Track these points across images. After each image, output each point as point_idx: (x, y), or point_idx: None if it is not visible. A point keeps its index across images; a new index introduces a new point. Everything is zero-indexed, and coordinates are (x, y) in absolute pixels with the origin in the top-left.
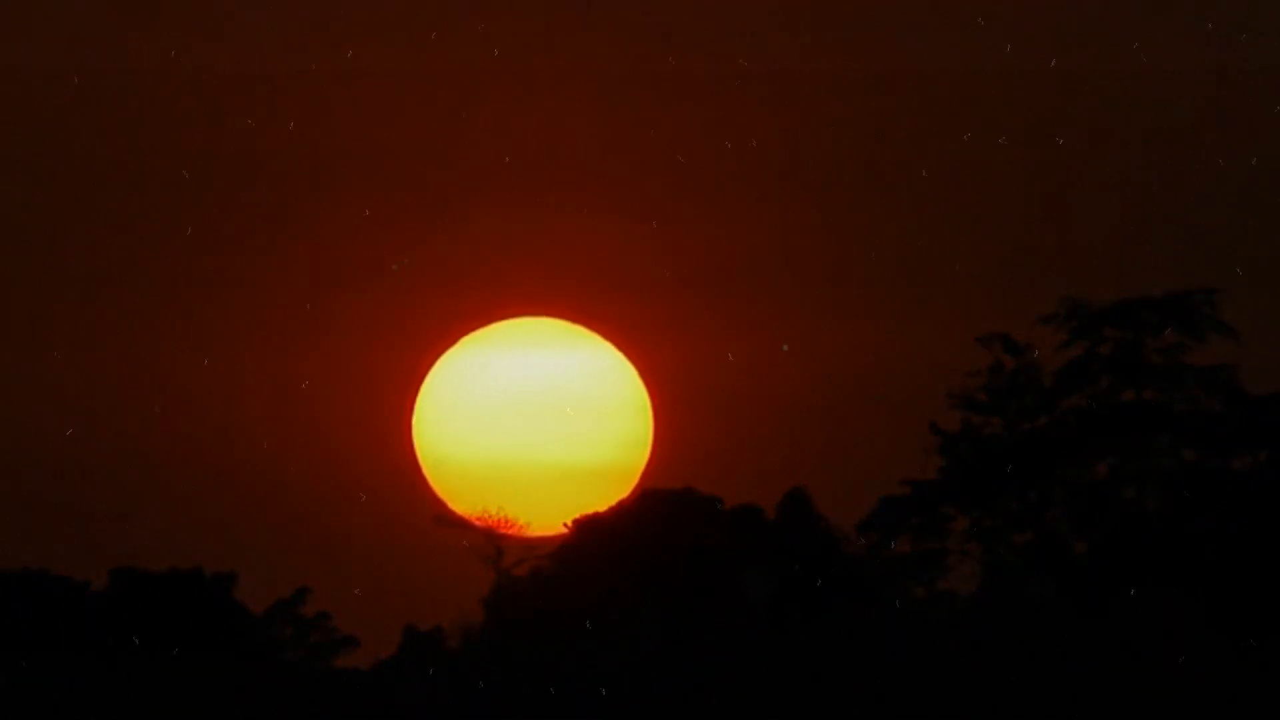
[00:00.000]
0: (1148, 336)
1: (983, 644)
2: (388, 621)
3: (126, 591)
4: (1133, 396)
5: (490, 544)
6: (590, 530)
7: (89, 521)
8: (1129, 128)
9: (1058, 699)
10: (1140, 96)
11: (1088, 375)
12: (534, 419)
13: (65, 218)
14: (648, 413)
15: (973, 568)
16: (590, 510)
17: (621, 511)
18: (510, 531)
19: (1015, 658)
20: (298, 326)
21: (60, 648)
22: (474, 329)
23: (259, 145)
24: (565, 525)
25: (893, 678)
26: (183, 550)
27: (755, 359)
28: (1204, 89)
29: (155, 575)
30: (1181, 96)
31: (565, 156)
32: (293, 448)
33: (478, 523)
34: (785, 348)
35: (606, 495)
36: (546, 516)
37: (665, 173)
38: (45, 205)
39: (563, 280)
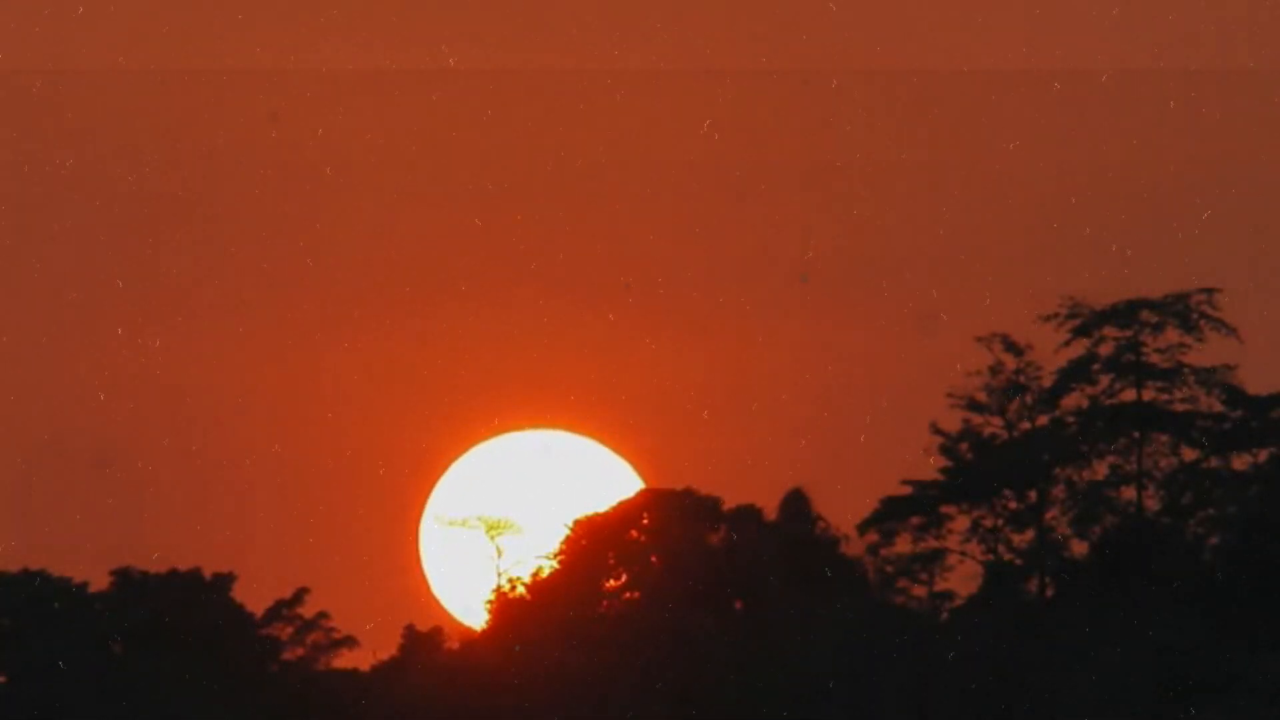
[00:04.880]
0: (1148, 336)
1: (983, 644)
2: (388, 621)
3: (126, 591)
4: (1133, 396)
5: (490, 544)
6: (590, 530)
7: (89, 521)
8: (1129, 128)
9: (1057, 698)
10: (1140, 96)
11: (1088, 375)
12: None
13: (68, 218)
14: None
15: (973, 568)
16: (590, 510)
17: (622, 511)
18: (510, 532)
19: (1015, 658)
20: (299, 327)
21: (60, 648)
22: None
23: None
24: (565, 525)
25: (892, 677)
26: (183, 550)
27: (755, 360)
28: (1204, 89)
29: (155, 575)
30: (1181, 96)
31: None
32: (293, 448)
33: (478, 523)
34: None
35: (606, 495)
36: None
37: (661, 173)
38: (50, 206)
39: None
